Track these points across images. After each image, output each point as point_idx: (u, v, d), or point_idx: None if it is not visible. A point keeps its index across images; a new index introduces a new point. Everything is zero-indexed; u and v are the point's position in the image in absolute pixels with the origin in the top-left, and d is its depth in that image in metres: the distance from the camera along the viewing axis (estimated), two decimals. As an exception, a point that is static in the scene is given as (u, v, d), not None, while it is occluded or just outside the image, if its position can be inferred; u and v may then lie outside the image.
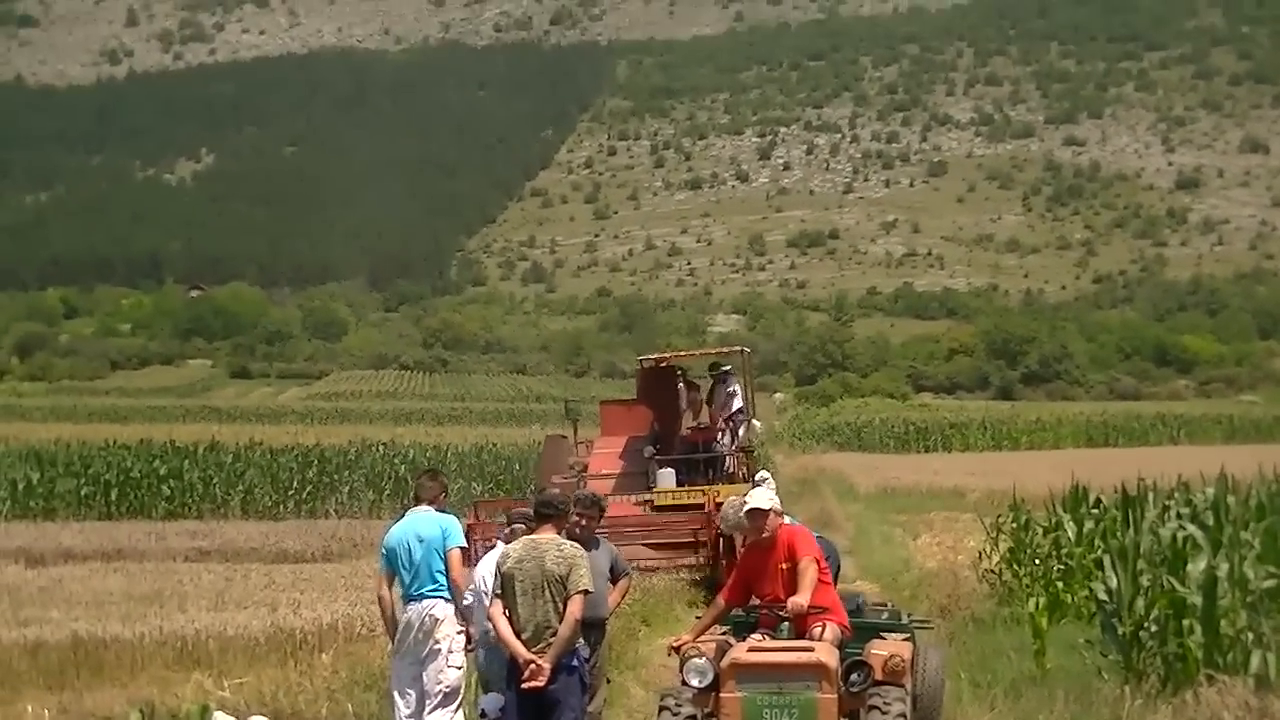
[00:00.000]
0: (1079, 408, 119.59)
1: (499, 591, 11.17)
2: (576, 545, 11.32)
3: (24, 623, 20.79)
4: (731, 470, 28.28)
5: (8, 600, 23.97)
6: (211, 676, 16.73)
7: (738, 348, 35.61)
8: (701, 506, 26.04)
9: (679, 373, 30.12)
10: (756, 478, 23.73)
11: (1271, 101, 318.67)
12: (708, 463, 28.33)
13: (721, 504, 24.00)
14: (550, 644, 10.85)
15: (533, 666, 10.78)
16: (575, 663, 11.02)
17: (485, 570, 12.65)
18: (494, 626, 11.24)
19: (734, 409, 28.61)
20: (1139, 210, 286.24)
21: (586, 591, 11.02)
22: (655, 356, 31.38)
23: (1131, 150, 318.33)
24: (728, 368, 29.94)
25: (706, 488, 26.87)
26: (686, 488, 27.49)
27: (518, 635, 10.96)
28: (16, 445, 60.38)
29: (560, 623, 10.90)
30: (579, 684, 11.07)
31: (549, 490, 11.90)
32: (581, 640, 11.09)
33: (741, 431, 28.78)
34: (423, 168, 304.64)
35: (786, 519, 12.52)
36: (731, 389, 28.75)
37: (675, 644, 11.73)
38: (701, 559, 26.10)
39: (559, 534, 11.36)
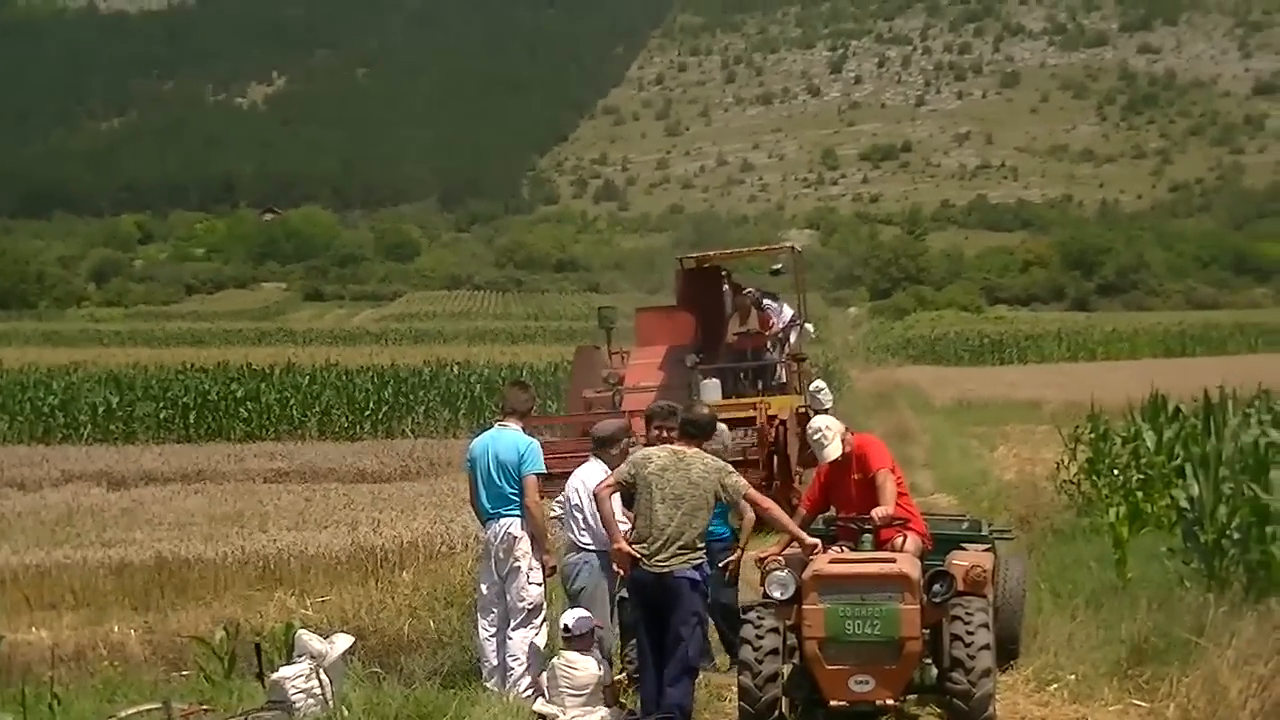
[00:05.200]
0: (1156, 318, 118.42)
1: (630, 479, 11.13)
2: (719, 460, 11.32)
3: (108, 544, 20.99)
4: (783, 380, 25.78)
5: (92, 522, 24.21)
6: (294, 595, 16.95)
7: (787, 245, 32.18)
8: (751, 420, 22.96)
9: (724, 274, 26.84)
10: (811, 387, 23.24)
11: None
12: (756, 372, 25.70)
13: (774, 417, 23.65)
14: (676, 554, 10.87)
15: (626, 556, 10.93)
16: (700, 576, 11.05)
17: (576, 483, 12.60)
18: (599, 508, 11.32)
19: (785, 320, 25.90)
20: (1215, 117, 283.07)
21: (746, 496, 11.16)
22: (696, 256, 27.68)
23: (1207, 56, 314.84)
24: (773, 277, 28.20)
25: (756, 399, 24.03)
26: (734, 399, 24.07)
27: (642, 539, 10.97)
28: (96, 370, 61.03)
29: (687, 532, 10.91)
30: (701, 596, 11.08)
31: (697, 408, 11.66)
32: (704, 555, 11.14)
33: (793, 337, 26.02)
34: (493, 87, 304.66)
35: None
36: (770, 309, 26.03)
37: (760, 557, 11.72)
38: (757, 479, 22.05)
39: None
